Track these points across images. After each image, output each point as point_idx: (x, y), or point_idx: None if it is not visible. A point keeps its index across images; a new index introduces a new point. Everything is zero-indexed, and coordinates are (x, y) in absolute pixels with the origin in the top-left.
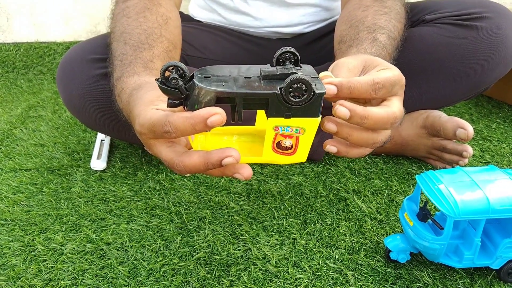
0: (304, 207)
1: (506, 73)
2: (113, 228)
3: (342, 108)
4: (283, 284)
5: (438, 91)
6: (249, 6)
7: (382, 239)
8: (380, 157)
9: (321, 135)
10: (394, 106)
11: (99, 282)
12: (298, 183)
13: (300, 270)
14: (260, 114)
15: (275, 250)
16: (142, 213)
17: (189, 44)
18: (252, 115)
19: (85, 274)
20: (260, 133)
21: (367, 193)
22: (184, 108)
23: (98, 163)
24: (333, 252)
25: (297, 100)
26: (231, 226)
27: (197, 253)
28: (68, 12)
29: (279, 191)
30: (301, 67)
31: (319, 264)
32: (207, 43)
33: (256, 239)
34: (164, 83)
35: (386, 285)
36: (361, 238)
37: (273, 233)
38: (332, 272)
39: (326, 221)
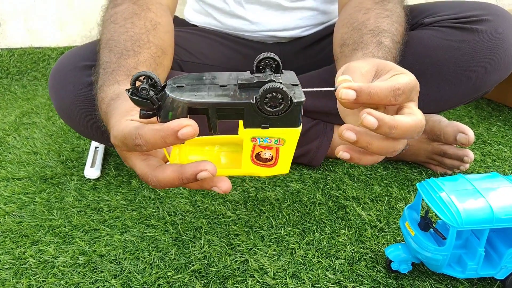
0: (302, 215)
1: (507, 76)
2: (107, 239)
3: (370, 117)
4: None
5: (437, 95)
6: (245, 10)
7: (382, 249)
8: (379, 162)
9: (320, 141)
10: (418, 113)
11: None
12: (296, 190)
13: (299, 282)
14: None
15: (273, 261)
16: (136, 223)
17: (184, 49)
18: (236, 123)
19: None
20: (242, 142)
21: (367, 200)
22: (157, 119)
23: (91, 172)
24: (332, 262)
25: (273, 110)
26: (228, 236)
27: (193, 265)
28: (62, 17)
29: (276, 198)
30: (282, 73)
31: (318, 276)
32: (202, 48)
33: (254, 250)
34: (136, 94)
35: None
36: (361, 248)
37: (271, 243)
38: (332, 284)
39: (325, 230)
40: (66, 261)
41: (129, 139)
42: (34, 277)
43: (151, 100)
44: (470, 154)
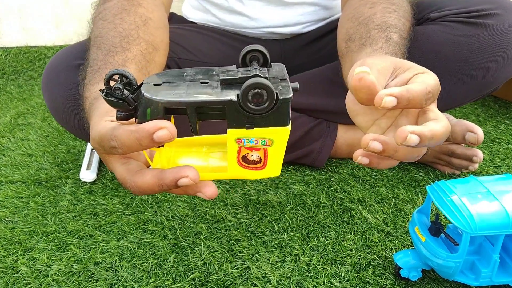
0: (306, 219)
1: None
2: (102, 246)
3: (414, 137)
4: None
5: (444, 92)
6: (244, 6)
7: (390, 254)
8: None
9: (323, 140)
10: (443, 117)
11: None
12: (299, 193)
13: None
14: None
15: (276, 268)
16: (133, 229)
17: (182, 47)
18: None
19: None
20: (227, 144)
21: (373, 202)
22: (135, 120)
23: (87, 174)
24: (338, 269)
25: (257, 107)
26: (229, 242)
27: (192, 273)
28: (58, 15)
29: (279, 201)
30: (271, 66)
31: (324, 284)
32: (200, 45)
33: (256, 256)
34: (111, 94)
35: None
36: (368, 253)
37: (274, 249)
38: None
39: (330, 235)
40: (60, 269)
41: (105, 141)
42: (26, 287)
43: (126, 101)
44: (479, 154)
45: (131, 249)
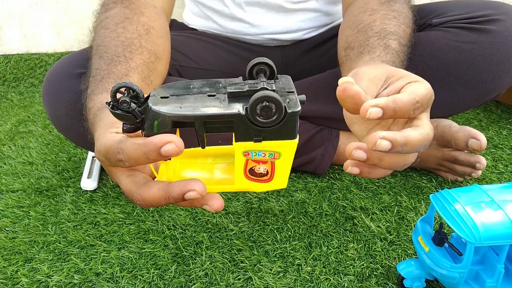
0: (308, 227)
1: None
2: (103, 256)
3: (384, 142)
4: None
5: (447, 98)
6: (245, 13)
7: (393, 263)
8: None
9: (325, 148)
10: (427, 126)
11: None
12: (301, 201)
13: None
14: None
15: (278, 278)
16: (134, 238)
17: (183, 54)
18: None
19: None
20: (235, 157)
21: (376, 210)
22: (142, 133)
23: (88, 183)
24: (341, 279)
25: (266, 121)
26: (230, 251)
27: (194, 284)
28: (58, 22)
29: (281, 210)
30: (278, 78)
31: None
32: (201, 52)
33: (258, 266)
34: (117, 107)
35: None
36: (371, 263)
37: (276, 259)
38: None
39: (332, 244)
40: (61, 280)
41: (111, 154)
42: None
43: (133, 114)
44: (482, 161)
45: (132, 259)
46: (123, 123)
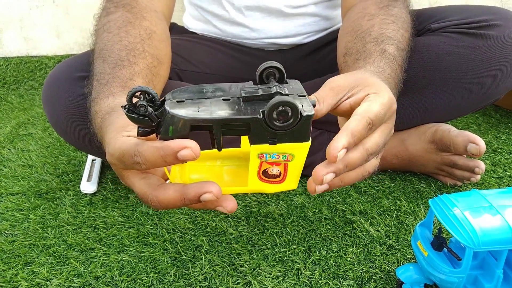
0: (308, 231)
1: None
2: (103, 259)
3: (328, 176)
4: None
5: (445, 103)
6: (245, 17)
7: (393, 268)
8: (387, 173)
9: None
10: (368, 142)
11: None
12: (300, 204)
13: None
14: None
15: (277, 283)
16: (133, 242)
17: (183, 58)
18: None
19: None
20: (246, 156)
21: (375, 214)
22: (157, 136)
23: (88, 186)
24: (340, 284)
25: (282, 124)
26: (230, 255)
27: None
28: (59, 25)
29: (280, 213)
30: (287, 82)
31: None
32: (201, 56)
33: (257, 271)
34: (133, 111)
35: None
36: (370, 267)
37: (275, 263)
38: None
39: (332, 248)
40: (60, 283)
41: (127, 157)
42: None
43: (150, 117)
44: (481, 165)
45: (131, 263)
46: (138, 127)
